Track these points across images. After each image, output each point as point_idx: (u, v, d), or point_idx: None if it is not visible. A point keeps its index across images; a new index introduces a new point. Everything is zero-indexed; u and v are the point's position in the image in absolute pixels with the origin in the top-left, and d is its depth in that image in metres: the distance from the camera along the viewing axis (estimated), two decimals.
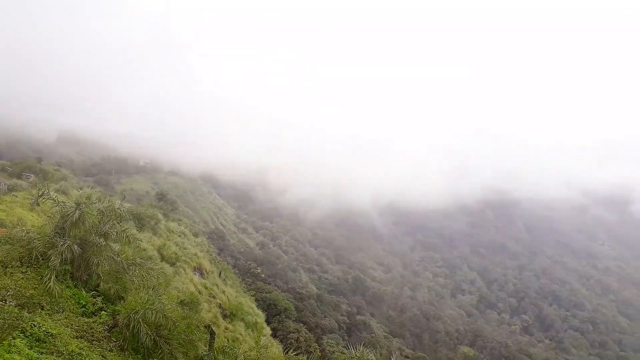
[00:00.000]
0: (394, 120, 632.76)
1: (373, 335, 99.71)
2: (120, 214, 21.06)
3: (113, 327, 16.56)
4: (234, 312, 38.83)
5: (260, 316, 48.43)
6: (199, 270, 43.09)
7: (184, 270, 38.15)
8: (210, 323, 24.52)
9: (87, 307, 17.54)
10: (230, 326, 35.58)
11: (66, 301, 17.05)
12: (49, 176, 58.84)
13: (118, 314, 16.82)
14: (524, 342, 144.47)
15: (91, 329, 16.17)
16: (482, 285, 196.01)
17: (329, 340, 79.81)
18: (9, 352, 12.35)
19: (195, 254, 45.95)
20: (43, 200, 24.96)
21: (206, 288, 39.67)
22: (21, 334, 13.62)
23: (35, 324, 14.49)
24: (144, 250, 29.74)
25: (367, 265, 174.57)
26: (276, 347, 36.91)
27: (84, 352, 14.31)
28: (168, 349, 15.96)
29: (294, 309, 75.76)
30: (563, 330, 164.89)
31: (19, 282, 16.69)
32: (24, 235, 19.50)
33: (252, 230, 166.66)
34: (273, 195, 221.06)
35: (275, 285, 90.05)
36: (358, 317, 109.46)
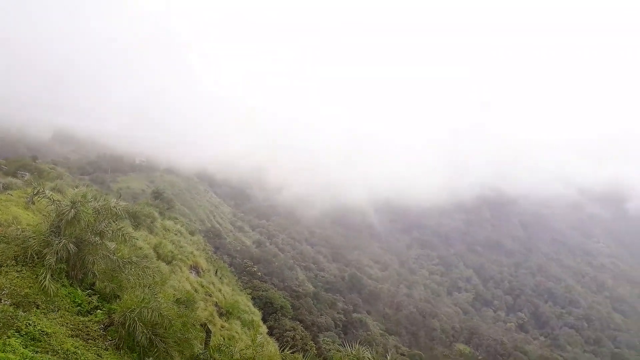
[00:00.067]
0: (391, 119, 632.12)
1: (369, 333, 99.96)
2: (116, 212, 21.03)
3: (109, 326, 16.54)
4: (230, 310, 38.82)
5: (256, 314, 48.44)
6: (195, 268, 43.04)
7: (180, 269, 38.09)
8: (206, 321, 24.51)
9: (82, 305, 17.49)
10: (226, 324, 35.58)
11: (61, 300, 17.01)
12: (44, 174, 58.67)
13: (114, 313, 16.79)
14: (520, 339, 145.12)
15: (87, 327, 16.14)
16: (478, 282, 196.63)
17: (325, 338, 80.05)
18: (3, 351, 12.33)
19: (192, 253, 45.87)
20: (38, 199, 24.89)
21: (202, 286, 39.62)
22: (16, 333, 13.60)
23: (31, 322, 14.46)
24: (140, 248, 29.65)
25: (364, 263, 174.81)
26: (272, 345, 36.94)
27: (79, 351, 14.29)
28: (164, 348, 15.95)
29: (290, 307, 75.86)
30: (558, 328, 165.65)
31: (14, 281, 16.65)
32: (19, 233, 19.45)
33: (249, 228, 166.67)
34: (270, 193, 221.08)
35: (271, 284, 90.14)
36: (354, 315, 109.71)
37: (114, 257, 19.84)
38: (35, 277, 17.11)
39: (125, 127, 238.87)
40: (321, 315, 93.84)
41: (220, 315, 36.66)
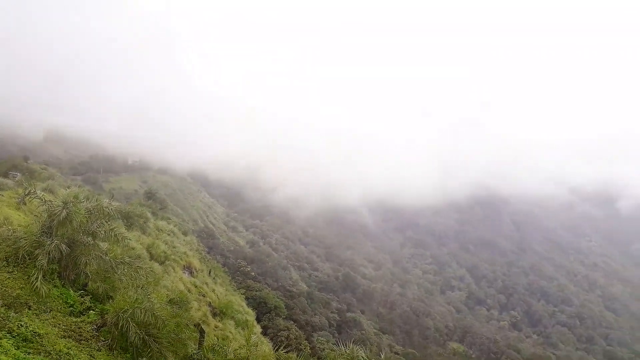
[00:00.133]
0: (388, 119, 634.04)
1: (363, 332, 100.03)
2: (108, 212, 20.91)
3: (101, 327, 16.45)
4: (224, 310, 38.75)
5: (250, 314, 48.39)
6: (189, 268, 42.94)
7: (173, 269, 38.00)
8: (200, 322, 24.45)
9: (75, 306, 17.39)
10: (220, 324, 35.52)
11: (53, 301, 16.91)
12: (35, 175, 58.26)
13: (106, 313, 16.70)
14: (513, 337, 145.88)
15: (79, 328, 16.04)
16: (471, 281, 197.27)
17: (319, 337, 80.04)
18: None
19: (185, 253, 45.76)
20: (30, 199, 24.75)
21: (196, 287, 39.54)
22: (8, 334, 13.49)
23: (22, 323, 14.36)
24: (133, 249, 29.52)
25: (357, 263, 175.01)
26: (266, 345, 36.85)
27: (71, 352, 14.21)
28: (157, 348, 15.88)
29: (284, 307, 75.87)
30: (551, 326, 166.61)
31: (5, 282, 16.52)
32: (10, 234, 19.29)
33: (242, 228, 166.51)
34: (263, 193, 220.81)
35: (265, 284, 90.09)
36: (348, 314, 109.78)
37: (107, 258, 19.73)
38: (27, 278, 16.99)
39: (125, 127, 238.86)
40: (315, 314, 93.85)
41: (214, 315, 36.59)
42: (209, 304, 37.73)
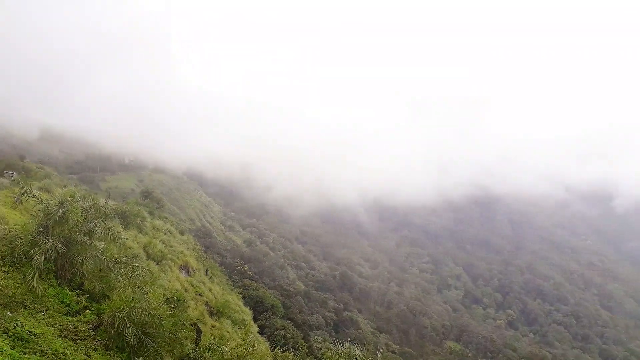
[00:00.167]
0: (384, 117, 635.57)
1: (360, 331, 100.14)
2: (105, 212, 20.86)
3: (98, 326, 16.40)
4: (221, 309, 38.75)
5: (247, 314, 48.36)
6: (186, 268, 42.89)
7: (170, 268, 37.94)
8: (197, 321, 24.42)
9: (71, 306, 17.34)
10: (217, 324, 35.50)
11: (50, 300, 16.85)
12: (31, 174, 58.07)
13: (103, 313, 16.66)
14: (509, 336, 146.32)
15: (75, 328, 15.99)
16: (467, 280, 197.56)
17: (316, 336, 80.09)
18: None
19: (182, 252, 45.70)
20: (26, 199, 24.58)
21: (192, 286, 39.51)
22: (4, 334, 13.44)
23: (18, 323, 14.30)
24: (130, 248, 29.46)
25: (354, 262, 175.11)
26: (263, 345, 36.91)
27: (68, 352, 14.16)
28: (154, 347, 15.85)
29: (281, 306, 75.81)
30: (547, 324, 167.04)
31: (1, 282, 16.46)
32: (6, 233, 19.23)
33: (239, 227, 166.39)
34: (260, 192, 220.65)
35: (262, 283, 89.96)
36: (345, 313, 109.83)
37: (103, 257, 19.68)
38: (23, 278, 16.93)
39: (122, 127, 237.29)
40: (312, 314, 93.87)
41: (211, 314, 36.57)
42: (206, 303, 37.70)
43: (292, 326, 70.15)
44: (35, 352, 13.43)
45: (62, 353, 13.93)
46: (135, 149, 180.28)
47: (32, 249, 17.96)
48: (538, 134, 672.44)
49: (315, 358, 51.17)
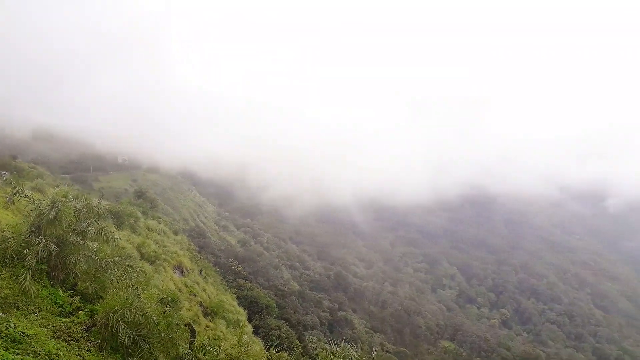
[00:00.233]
0: (381, 117, 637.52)
1: (355, 331, 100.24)
2: (98, 212, 20.75)
3: (91, 327, 16.30)
4: (215, 310, 38.66)
5: (241, 314, 48.27)
6: (179, 268, 42.75)
7: (164, 269, 37.81)
8: (191, 321, 24.32)
9: (64, 306, 17.23)
10: (211, 324, 35.41)
11: (42, 301, 16.74)
12: (24, 174, 57.74)
13: (96, 314, 16.56)
14: (503, 335, 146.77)
15: (69, 329, 15.90)
16: (462, 280, 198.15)
17: (311, 336, 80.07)
18: None
19: (176, 252, 45.55)
20: (18, 199, 24.43)
21: (187, 286, 39.39)
22: None
23: (11, 324, 14.19)
24: (123, 248, 29.29)
25: (349, 262, 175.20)
26: (258, 345, 36.81)
27: (61, 353, 14.06)
28: (148, 348, 15.78)
29: (275, 306, 75.75)
30: (541, 323, 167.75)
31: None
32: None
33: (233, 227, 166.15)
34: (254, 192, 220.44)
35: (256, 283, 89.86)
36: (340, 313, 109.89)
37: (96, 257, 19.56)
38: (15, 278, 16.80)
39: (117, 126, 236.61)
40: (307, 313, 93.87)
41: (205, 315, 36.47)
42: (200, 304, 37.60)
43: (287, 326, 70.15)
44: (28, 353, 13.33)
45: (55, 354, 13.83)
46: (134, 149, 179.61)
47: (24, 249, 17.83)
48: (538, 134, 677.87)
49: (310, 358, 51.13)
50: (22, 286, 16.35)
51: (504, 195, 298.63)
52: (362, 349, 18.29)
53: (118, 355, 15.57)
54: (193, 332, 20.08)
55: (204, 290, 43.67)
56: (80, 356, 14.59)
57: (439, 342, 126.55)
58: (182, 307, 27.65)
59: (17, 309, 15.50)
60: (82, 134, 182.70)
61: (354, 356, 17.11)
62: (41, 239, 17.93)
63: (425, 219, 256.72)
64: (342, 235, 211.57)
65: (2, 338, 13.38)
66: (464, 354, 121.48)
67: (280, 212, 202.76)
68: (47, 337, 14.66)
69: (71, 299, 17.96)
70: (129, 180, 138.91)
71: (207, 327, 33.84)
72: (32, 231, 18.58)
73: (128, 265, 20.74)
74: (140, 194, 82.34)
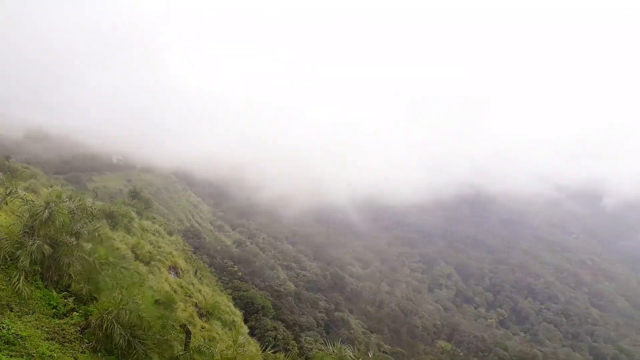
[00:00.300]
0: (378, 117, 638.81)
1: (351, 331, 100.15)
2: (92, 212, 20.65)
3: (85, 328, 16.19)
4: (211, 311, 38.46)
5: (237, 315, 48.07)
6: (174, 269, 42.55)
7: (159, 270, 37.61)
8: (186, 322, 24.20)
9: (58, 308, 17.11)
10: (206, 325, 35.23)
11: (36, 302, 16.62)
12: (17, 174, 57.38)
13: (91, 315, 16.45)
14: (500, 335, 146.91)
15: (63, 330, 15.79)
16: (458, 279, 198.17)
17: (307, 337, 79.88)
18: None
19: (170, 253, 45.33)
20: (11, 199, 24.26)
21: (182, 287, 39.19)
22: None
23: (4, 326, 14.09)
24: (117, 249, 29.19)
25: (345, 262, 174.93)
26: (254, 346, 36.67)
27: (55, 354, 13.97)
28: (142, 350, 15.68)
29: (271, 307, 75.58)
30: (537, 323, 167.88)
31: None
32: None
33: (229, 228, 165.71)
34: (250, 192, 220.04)
35: (252, 284, 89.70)
36: (336, 313, 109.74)
37: (91, 259, 19.44)
38: (9, 280, 16.69)
39: (116, 125, 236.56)
40: (303, 314, 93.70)
41: (201, 316, 36.29)
42: (195, 305, 37.42)
43: (283, 327, 70.01)
44: (22, 355, 13.24)
45: (49, 356, 13.75)
46: (133, 149, 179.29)
47: (17, 250, 17.70)
48: (537, 133, 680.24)
49: (306, 359, 51.05)
50: (15, 287, 16.23)
51: (502, 195, 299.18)
52: (358, 350, 18.18)
53: (112, 357, 15.47)
54: (188, 333, 19.97)
55: (199, 291, 43.47)
56: (74, 358, 14.49)
57: (436, 342, 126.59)
58: (177, 308, 27.52)
59: (11, 311, 15.38)
60: (80, 134, 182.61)
61: (350, 357, 17.04)
62: (35, 240, 17.81)
63: (422, 218, 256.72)
64: (339, 235, 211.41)
65: None
66: (461, 354, 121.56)
67: (277, 212, 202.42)
68: (41, 339, 14.56)
69: (65, 300, 17.85)
70: (124, 180, 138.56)
71: (202, 328, 33.68)
72: (25, 232, 18.46)
73: (122, 266, 20.66)
74: (134, 194, 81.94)
